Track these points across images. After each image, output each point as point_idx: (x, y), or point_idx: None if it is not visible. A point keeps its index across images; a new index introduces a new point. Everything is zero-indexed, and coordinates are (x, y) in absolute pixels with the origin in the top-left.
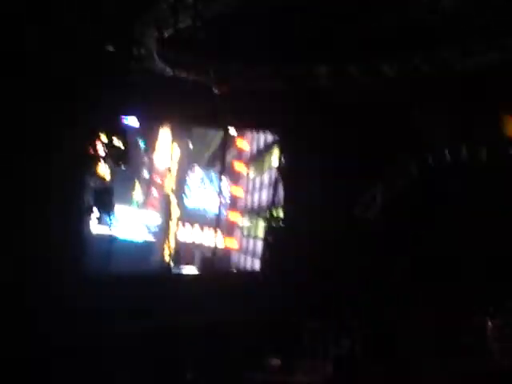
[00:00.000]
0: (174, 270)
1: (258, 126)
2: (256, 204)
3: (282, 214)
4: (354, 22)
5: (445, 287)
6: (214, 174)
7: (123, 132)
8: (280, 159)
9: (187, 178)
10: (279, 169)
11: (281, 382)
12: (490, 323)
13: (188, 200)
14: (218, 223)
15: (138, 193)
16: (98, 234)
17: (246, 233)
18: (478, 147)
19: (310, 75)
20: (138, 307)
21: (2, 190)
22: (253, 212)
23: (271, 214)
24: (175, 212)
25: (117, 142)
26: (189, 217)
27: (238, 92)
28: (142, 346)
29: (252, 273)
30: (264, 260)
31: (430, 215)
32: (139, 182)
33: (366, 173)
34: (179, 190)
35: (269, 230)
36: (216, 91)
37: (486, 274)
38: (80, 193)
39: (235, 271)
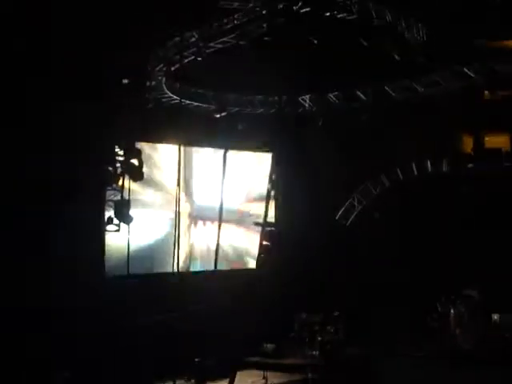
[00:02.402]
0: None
1: (251, 144)
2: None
3: (275, 220)
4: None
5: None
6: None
7: (138, 152)
8: (271, 175)
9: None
10: (271, 182)
11: (275, 364)
12: (452, 311)
13: (199, 198)
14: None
15: (151, 196)
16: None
17: (255, 221)
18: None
19: (295, 102)
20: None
21: (35, 203)
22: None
23: (265, 221)
24: (187, 210)
25: (133, 161)
26: (201, 213)
27: (234, 116)
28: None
29: (251, 272)
30: (260, 261)
31: (401, 219)
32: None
33: (345, 185)
34: (189, 190)
35: (264, 235)
36: (216, 115)
37: (449, 267)
38: (102, 205)
39: (237, 270)
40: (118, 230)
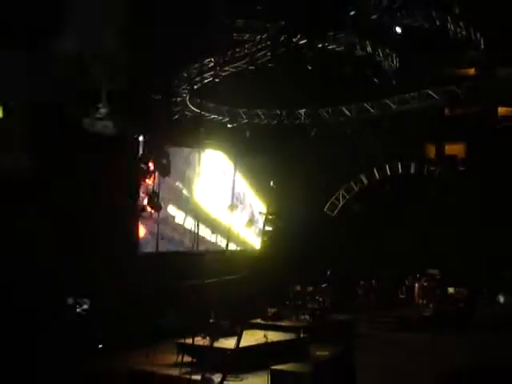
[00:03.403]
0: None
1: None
2: None
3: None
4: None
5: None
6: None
7: (166, 154)
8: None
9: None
10: (273, 183)
11: (274, 325)
12: (416, 285)
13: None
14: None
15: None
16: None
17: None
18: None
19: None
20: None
21: (83, 194)
22: None
23: (268, 211)
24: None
25: (162, 161)
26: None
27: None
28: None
29: (256, 251)
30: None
31: (377, 210)
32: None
33: (332, 183)
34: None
35: (267, 224)
36: (229, 126)
37: (414, 250)
38: (137, 196)
39: (244, 250)
40: (149, 217)
